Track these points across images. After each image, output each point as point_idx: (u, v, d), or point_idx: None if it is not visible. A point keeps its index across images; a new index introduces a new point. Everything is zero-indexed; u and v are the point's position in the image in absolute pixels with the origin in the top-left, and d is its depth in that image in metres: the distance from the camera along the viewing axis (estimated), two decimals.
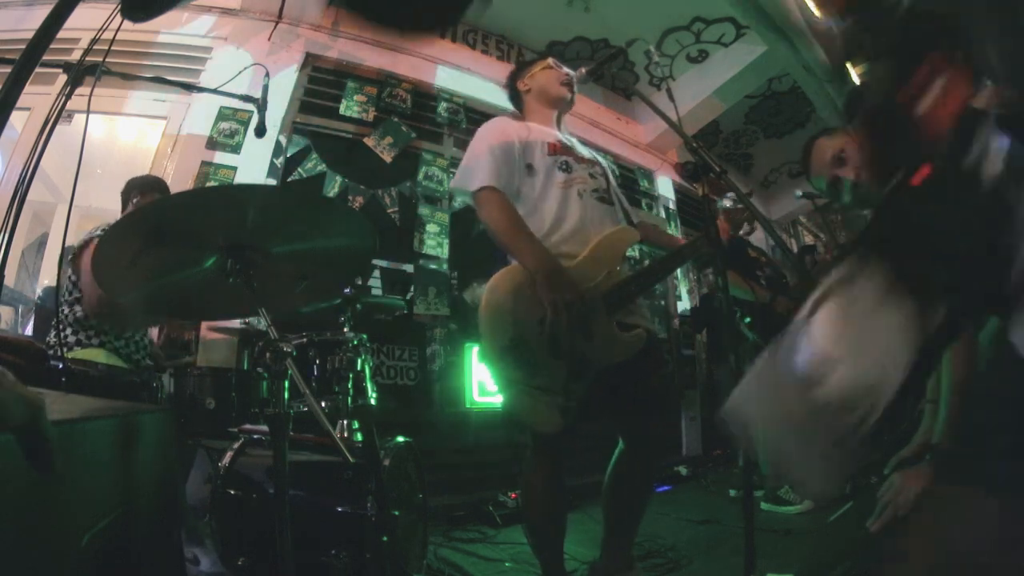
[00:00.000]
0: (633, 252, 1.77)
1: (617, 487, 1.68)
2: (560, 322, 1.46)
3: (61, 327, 2.00)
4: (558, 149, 1.73)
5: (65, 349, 1.93)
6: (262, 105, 1.71)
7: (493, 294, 1.56)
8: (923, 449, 1.25)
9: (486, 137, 1.71)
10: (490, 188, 1.61)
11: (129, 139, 4.41)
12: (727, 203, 1.76)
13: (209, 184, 3.13)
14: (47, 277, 4.38)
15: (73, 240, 2.18)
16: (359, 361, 1.80)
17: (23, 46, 0.80)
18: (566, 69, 1.86)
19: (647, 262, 1.76)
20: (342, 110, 3.71)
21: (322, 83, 3.76)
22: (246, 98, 1.80)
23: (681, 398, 4.75)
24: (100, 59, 1.49)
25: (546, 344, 1.50)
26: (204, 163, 3.21)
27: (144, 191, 2.18)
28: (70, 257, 2.03)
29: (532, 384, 1.49)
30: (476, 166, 1.66)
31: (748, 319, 2.97)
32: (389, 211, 3.68)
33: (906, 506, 1.08)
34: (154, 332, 2.33)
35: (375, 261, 3.54)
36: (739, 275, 2.96)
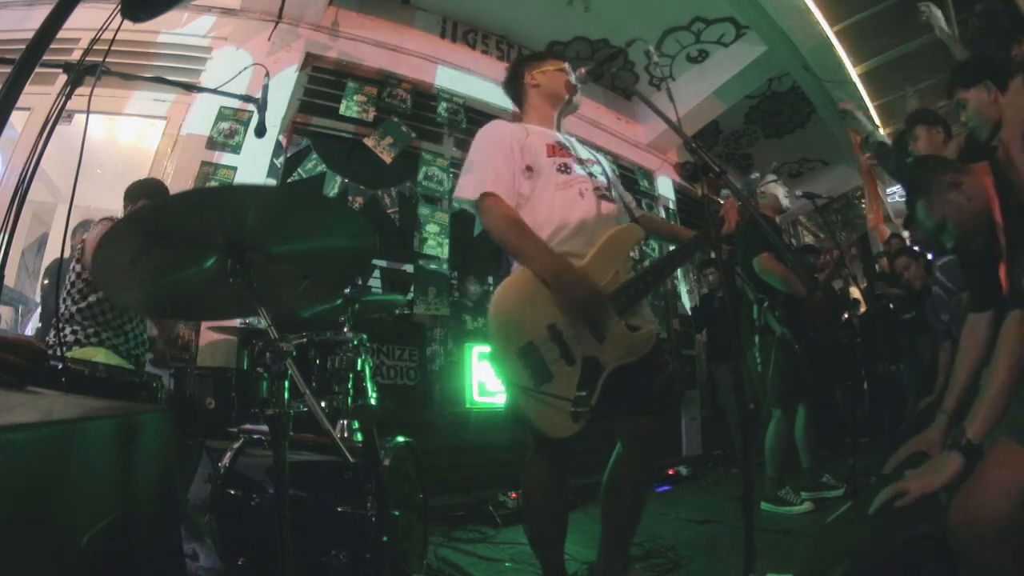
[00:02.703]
0: (633, 252, 1.76)
1: (615, 489, 1.67)
2: (577, 322, 1.45)
3: (61, 325, 1.99)
4: (556, 151, 1.71)
5: (64, 348, 1.93)
6: (262, 105, 1.70)
7: (502, 300, 1.55)
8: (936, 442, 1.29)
9: (484, 142, 1.69)
10: (492, 195, 1.59)
11: (129, 139, 4.41)
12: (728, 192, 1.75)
13: (209, 184, 3.13)
14: (47, 277, 4.37)
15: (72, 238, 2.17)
16: (359, 361, 1.80)
17: (23, 46, 0.80)
18: (575, 79, 1.81)
19: (647, 262, 1.75)
20: (342, 110, 3.70)
21: (322, 83, 3.76)
22: (246, 98, 1.79)
23: (681, 398, 4.75)
24: (100, 59, 1.48)
25: (557, 350, 1.49)
26: (204, 163, 3.21)
27: (133, 199, 2.18)
28: (80, 243, 2.02)
29: (544, 390, 1.47)
30: (476, 173, 1.64)
31: (778, 311, 2.79)
32: (389, 211, 3.68)
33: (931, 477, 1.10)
34: (152, 329, 2.33)
35: (375, 261, 3.54)
36: (778, 260, 2.74)
